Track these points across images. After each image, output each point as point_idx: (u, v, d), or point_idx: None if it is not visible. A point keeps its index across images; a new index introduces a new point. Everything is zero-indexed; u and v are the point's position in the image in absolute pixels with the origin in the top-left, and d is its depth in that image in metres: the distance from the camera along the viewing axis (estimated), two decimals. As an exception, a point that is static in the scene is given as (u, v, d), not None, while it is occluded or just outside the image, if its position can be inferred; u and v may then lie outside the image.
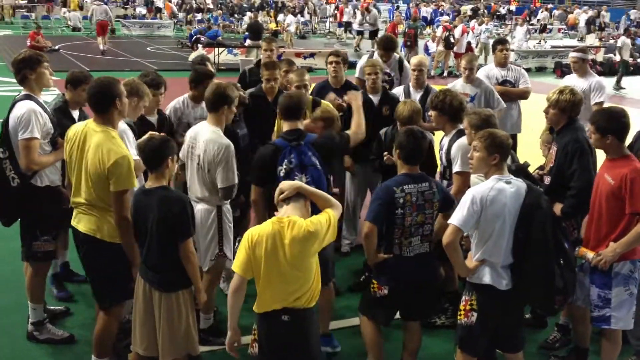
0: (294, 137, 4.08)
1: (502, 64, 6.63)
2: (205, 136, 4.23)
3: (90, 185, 3.70)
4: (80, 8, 32.93)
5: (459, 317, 3.72)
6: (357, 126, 4.41)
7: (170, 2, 34.32)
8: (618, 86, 18.22)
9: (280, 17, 28.06)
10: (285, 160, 3.98)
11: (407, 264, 3.89)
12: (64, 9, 32.52)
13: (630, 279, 3.87)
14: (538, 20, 35.97)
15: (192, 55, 19.66)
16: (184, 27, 30.72)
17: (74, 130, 3.89)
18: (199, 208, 4.25)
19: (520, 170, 3.85)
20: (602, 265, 3.83)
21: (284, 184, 3.31)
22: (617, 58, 20.72)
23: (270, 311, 3.20)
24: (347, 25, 28.27)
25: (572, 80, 6.20)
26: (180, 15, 33.36)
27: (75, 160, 3.81)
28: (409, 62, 6.48)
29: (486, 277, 3.57)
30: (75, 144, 3.81)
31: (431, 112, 4.80)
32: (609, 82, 18.09)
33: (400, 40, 18.12)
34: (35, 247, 4.28)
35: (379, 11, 26.88)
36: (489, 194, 3.46)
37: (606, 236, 3.87)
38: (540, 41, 27.59)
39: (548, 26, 37.20)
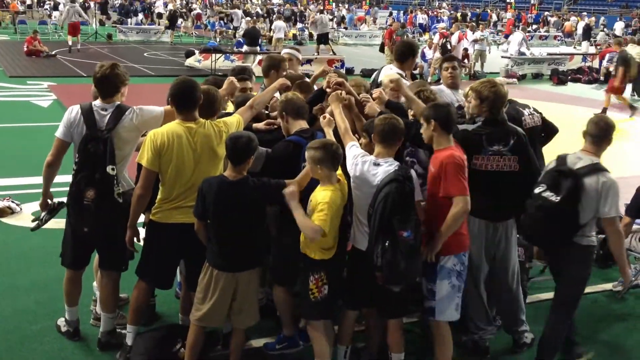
0: (308, 135, 4.16)
1: (451, 85, 5.49)
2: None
3: (215, 164, 4.02)
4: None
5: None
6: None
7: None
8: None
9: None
10: None
11: None
12: (55, 13, 32.41)
13: (452, 272, 3.95)
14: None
15: (189, 61, 19.71)
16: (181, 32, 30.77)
17: (162, 137, 3.92)
18: None
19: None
20: (430, 257, 3.89)
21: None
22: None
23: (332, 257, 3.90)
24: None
25: None
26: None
27: (184, 160, 3.93)
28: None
29: (360, 244, 3.94)
30: (175, 147, 3.91)
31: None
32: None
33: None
34: (129, 253, 4.34)
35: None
36: (357, 161, 3.91)
37: (433, 226, 3.94)
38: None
39: (544, 33, 37.45)
